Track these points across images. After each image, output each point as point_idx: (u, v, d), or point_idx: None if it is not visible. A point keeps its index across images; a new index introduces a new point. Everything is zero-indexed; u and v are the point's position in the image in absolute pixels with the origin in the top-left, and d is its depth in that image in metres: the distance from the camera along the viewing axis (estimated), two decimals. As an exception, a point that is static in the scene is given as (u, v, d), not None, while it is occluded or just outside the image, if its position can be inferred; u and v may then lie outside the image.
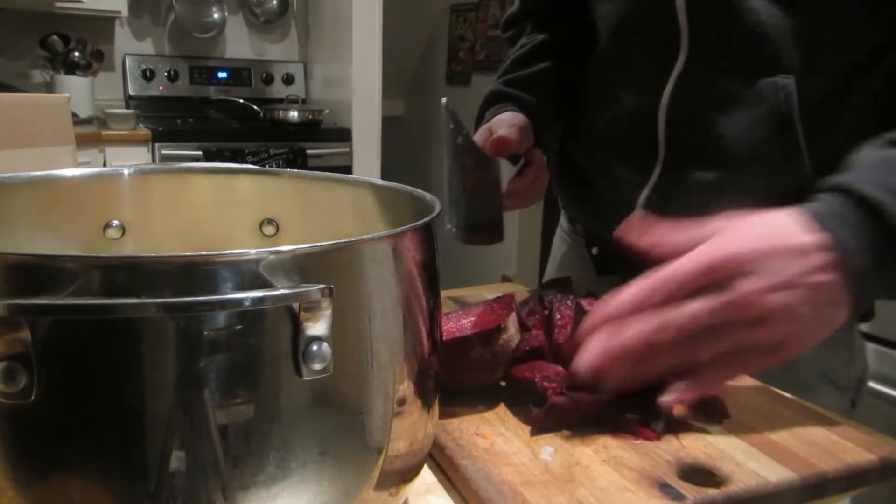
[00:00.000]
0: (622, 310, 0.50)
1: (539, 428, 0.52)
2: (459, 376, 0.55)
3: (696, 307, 0.48)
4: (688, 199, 0.71)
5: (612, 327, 0.50)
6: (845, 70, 0.70)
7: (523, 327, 0.61)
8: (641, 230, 0.54)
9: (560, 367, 0.55)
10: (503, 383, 0.58)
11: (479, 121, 0.86)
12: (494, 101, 0.86)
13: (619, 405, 0.52)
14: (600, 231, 0.79)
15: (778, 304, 0.48)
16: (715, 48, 0.71)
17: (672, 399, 0.49)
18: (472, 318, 0.57)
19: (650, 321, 0.49)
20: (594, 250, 0.89)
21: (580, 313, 0.58)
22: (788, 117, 0.67)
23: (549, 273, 1.01)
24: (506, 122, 0.80)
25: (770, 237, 0.50)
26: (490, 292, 0.82)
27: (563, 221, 1.01)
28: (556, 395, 0.52)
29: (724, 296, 0.48)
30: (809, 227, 0.50)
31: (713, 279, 0.48)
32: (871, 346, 1.47)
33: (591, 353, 0.50)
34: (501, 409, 0.55)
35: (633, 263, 0.52)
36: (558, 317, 0.59)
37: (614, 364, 0.49)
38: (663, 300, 0.49)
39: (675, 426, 0.52)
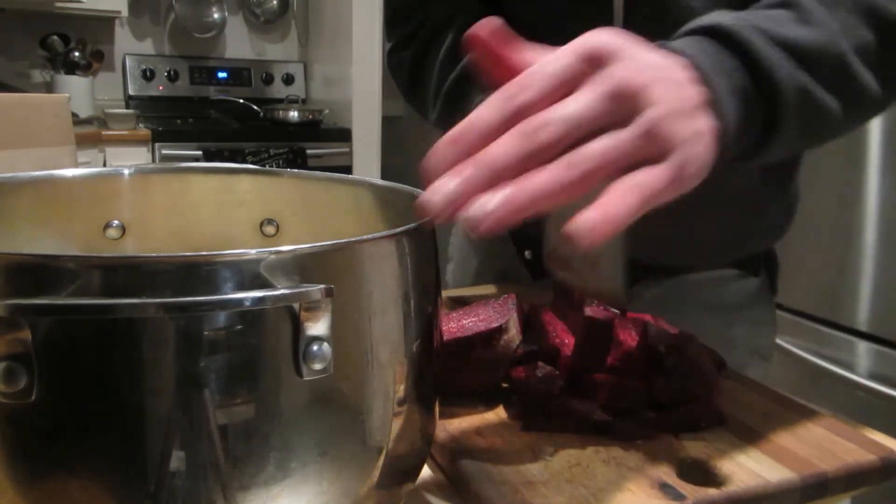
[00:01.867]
0: (472, 129, 0.34)
1: (525, 425, 0.52)
2: (460, 377, 0.55)
3: (576, 98, 0.36)
4: None
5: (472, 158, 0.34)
6: None
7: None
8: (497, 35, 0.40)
9: (552, 369, 0.55)
10: (505, 385, 0.58)
11: (455, 100, 0.73)
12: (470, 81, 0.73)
13: (612, 411, 0.52)
14: (537, 233, 0.73)
15: (659, 91, 0.37)
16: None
17: (581, 230, 0.33)
18: (473, 319, 0.57)
19: (522, 127, 0.34)
20: (527, 254, 0.84)
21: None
22: None
23: (462, 283, 0.95)
24: None
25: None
26: (490, 292, 0.82)
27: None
28: (533, 387, 0.52)
29: (603, 81, 0.36)
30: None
31: (587, 67, 0.37)
32: (871, 346, 1.47)
33: (448, 191, 0.33)
34: (501, 409, 0.55)
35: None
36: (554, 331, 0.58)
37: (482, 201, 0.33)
38: (526, 107, 0.35)
39: (674, 428, 0.52)
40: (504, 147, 0.33)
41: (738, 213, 0.77)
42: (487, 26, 0.38)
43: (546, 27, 0.78)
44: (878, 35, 0.50)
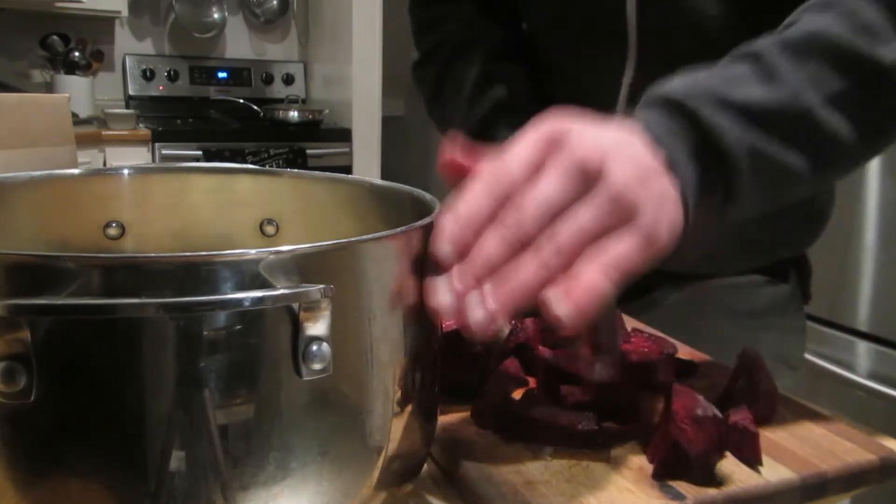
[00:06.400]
0: (467, 223, 0.38)
1: (504, 438, 0.50)
2: (451, 371, 0.54)
3: (545, 181, 0.39)
4: None
5: (467, 250, 0.38)
6: None
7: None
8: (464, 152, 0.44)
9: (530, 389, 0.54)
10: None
11: (484, 131, 0.78)
12: (505, 113, 0.77)
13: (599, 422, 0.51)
14: None
15: (617, 160, 0.40)
16: (663, 56, 0.72)
17: (556, 311, 0.37)
18: None
19: (506, 220, 0.38)
20: None
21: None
22: None
23: None
24: None
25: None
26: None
27: None
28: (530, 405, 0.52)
29: (564, 160, 0.39)
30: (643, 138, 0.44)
31: (549, 150, 0.40)
32: (871, 346, 1.47)
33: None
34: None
35: None
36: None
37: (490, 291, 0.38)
38: (506, 195, 0.39)
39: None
40: (496, 245, 0.38)
41: (757, 221, 0.76)
42: (453, 147, 0.43)
43: (564, 44, 0.79)
44: (855, 82, 0.49)
